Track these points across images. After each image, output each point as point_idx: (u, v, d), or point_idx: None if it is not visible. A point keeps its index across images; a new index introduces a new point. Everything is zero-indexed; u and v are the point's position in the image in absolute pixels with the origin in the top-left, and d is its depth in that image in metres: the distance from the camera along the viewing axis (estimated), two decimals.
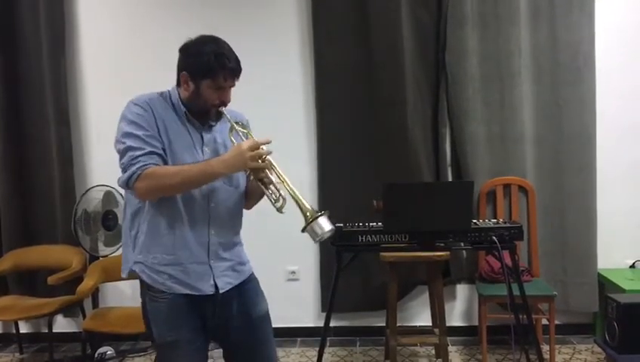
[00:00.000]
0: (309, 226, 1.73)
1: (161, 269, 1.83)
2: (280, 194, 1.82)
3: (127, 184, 1.76)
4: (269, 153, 1.80)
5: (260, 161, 1.77)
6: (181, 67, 1.85)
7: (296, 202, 1.75)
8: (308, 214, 1.74)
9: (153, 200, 1.80)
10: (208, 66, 1.79)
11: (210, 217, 1.86)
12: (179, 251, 1.83)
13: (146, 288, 1.86)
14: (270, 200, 1.84)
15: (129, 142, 1.76)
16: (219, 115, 1.89)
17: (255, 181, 1.87)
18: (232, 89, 1.89)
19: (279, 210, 1.81)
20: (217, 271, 1.88)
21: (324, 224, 1.74)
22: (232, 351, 2.00)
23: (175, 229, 1.82)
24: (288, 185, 1.78)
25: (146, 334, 1.93)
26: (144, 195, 1.78)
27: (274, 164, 1.81)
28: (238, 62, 1.84)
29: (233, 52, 1.85)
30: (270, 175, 1.81)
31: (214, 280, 1.87)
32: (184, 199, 1.82)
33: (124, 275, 1.90)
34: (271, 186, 1.83)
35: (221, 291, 1.88)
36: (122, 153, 1.78)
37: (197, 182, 1.79)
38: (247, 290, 1.97)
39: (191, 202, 1.83)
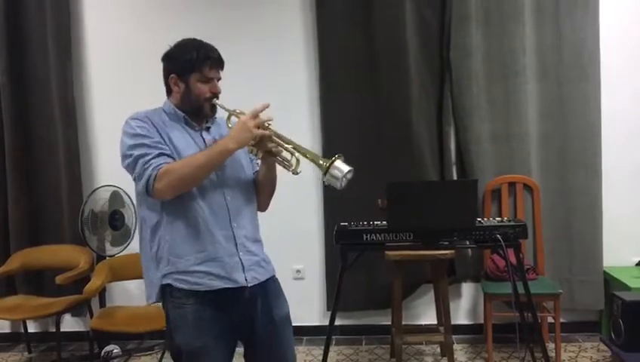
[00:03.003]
0: (327, 174, 1.75)
1: (196, 269, 1.83)
2: (292, 156, 1.86)
3: (146, 189, 1.77)
4: (271, 119, 1.84)
5: (263, 128, 1.81)
6: (168, 72, 1.92)
7: (308, 158, 1.81)
8: (321, 162, 1.77)
9: (174, 201, 1.81)
10: (192, 60, 1.86)
11: (229, 210, 1.88)
12: (209, 246, 1.84)
13: (169, 295, 1.85)
14: (285, 167, 1.89)
15: (136, 152, 1.78)
16: (213, 109, 1.93)
17: (264, 154, 1.89)
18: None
19: (295, 171, 1.86)
20: (247, 264, 1.89)
21: (342, 166, 1.75)
22: (252, 349, 2.00)
23: (200, 228, 1.83)
24: (296, 145, 1.83)
25: (151, 333, 1.92)
26: (166, 193, 1.78)
27: (276, 131, 1.85)
28: (219, 54, 1.91)
29: (213, 46, 1.92)
30: (277, 139, 1.85)
31: (244, 274, 1.87)
32: (202, 198, 1.83)
33: (152, 300, 1.89)
34: (281, 153, 1.87)
35: (249, 285, 1.88)
36: (133, 164, 1.79)
37: (212, 164, 1.80)
38: (270, 290, 1.98)
39: (208, 199, 1.85)
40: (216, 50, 1.91)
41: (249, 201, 1.97)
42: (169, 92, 1.93)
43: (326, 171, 1.75)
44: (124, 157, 1.82)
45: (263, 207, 2.07)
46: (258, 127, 1.79)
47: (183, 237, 1.83)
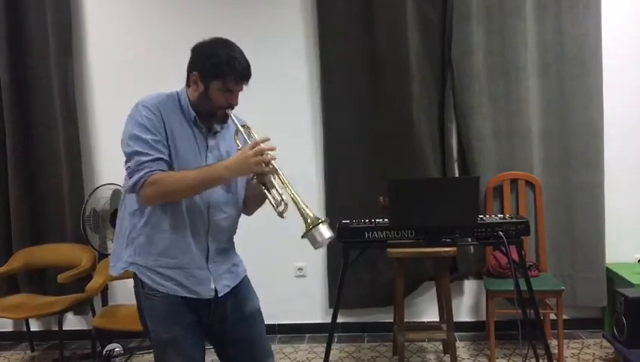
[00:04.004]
0: (309, 233, 1.74)
1: (163, 272, 1.84)
2: (282, 199, 1.81)
3: (133, 190, 1.78)
4: (274, 158, 1.79)
5: (264, 165, 1.77)
6: (192, 67, 1.85)
7: (298, 208, 1.76)
8: (309, 221, 1.74)
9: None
10: (219, 68, 1.79)
11: (209, 224, 1.88)
12: (182, 255, 1.85)
13: (140, 286, 1.87)
14: (272, 204, 1.84)
15: (136, 147, 1.77)
16: (225, 118, 1.89)
17: (257, 184, 1.86)
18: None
19: (280, 214, 1.81)
20: (216, 274, 1.91)
21: (324, 231, 1.74)
22: (225, 348, 2.01)
23: (178, 234, 1.84)
24: (291, 191, 1.78)
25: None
26: (150, 201, 1.79)
27: (278, 169, 1.81)
28: (248, 66, 1.85)
29: (245, 56, 1.85)
30: (273, 179, 1.82)
31: (214, 284, 1.89)
32: (187, 205, 1.83)
33: (114, 273, 1.89)
34: (273, 190, 1.83)
35: (220, 294, 1.90)
36: (129, 157, 1.79)
37: (201, 186, 1.80)
38: (239, 289, 1.99)
39: (192, 208, 1.84)
40: (246, 62, 1.83)
41: (232, 215, 1.95)
42: (188, 83, 1.87)
43: (308, 230, 1.74)
44: (124, 143, 1.81)
45: (249, 213, 2.06)
46: (259, 165, 1.76)
47: (161, 238, 1.83)
